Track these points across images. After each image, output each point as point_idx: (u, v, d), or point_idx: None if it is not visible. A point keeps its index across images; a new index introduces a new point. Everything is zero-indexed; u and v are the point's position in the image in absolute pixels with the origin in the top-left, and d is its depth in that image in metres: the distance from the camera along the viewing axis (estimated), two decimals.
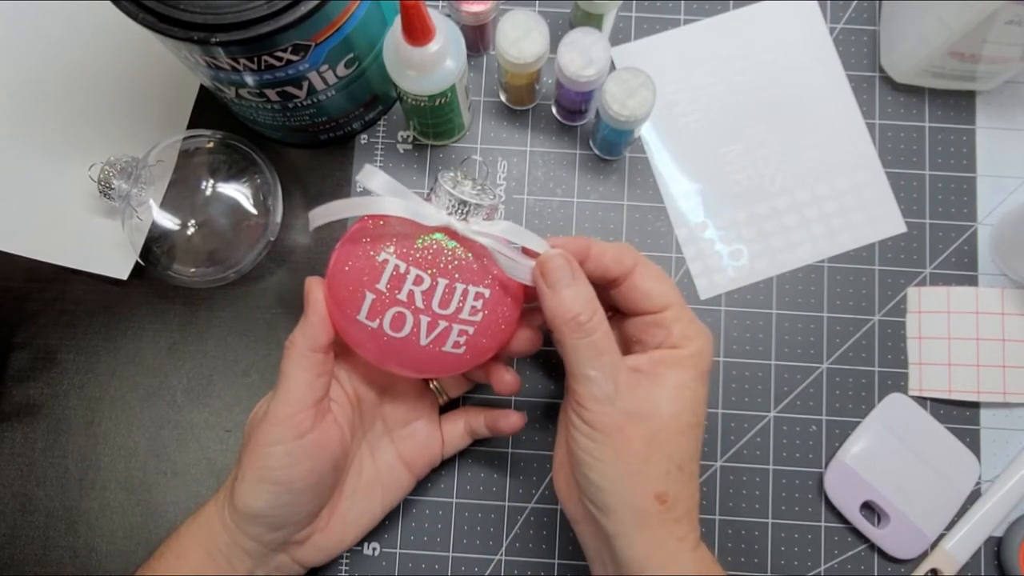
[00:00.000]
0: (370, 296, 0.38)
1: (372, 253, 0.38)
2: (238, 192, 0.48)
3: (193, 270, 0.48)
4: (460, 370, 0.40)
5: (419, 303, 0.38)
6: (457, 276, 0.38)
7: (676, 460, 0.35)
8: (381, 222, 0.39)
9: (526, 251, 0.38)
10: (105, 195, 0.46)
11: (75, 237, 0.50)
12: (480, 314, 0.38)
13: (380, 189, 0.38)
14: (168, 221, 0.47)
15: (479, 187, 0.39)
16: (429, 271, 0.38)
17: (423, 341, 0.39)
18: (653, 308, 0.38)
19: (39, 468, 0.49)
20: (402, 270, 0.38)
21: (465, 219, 0.38)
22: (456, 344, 0.39)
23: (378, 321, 0.38)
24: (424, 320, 0.38)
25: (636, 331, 0.39)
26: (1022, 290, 0.50)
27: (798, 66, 0.53)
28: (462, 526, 0.48)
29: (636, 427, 0.35)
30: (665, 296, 0.38)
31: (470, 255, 0.38)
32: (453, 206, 0.38)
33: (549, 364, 0.50)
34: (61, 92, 0.52)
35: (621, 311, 0.40)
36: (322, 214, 0.39)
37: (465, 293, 0.38)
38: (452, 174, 0.39)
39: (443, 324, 0.38)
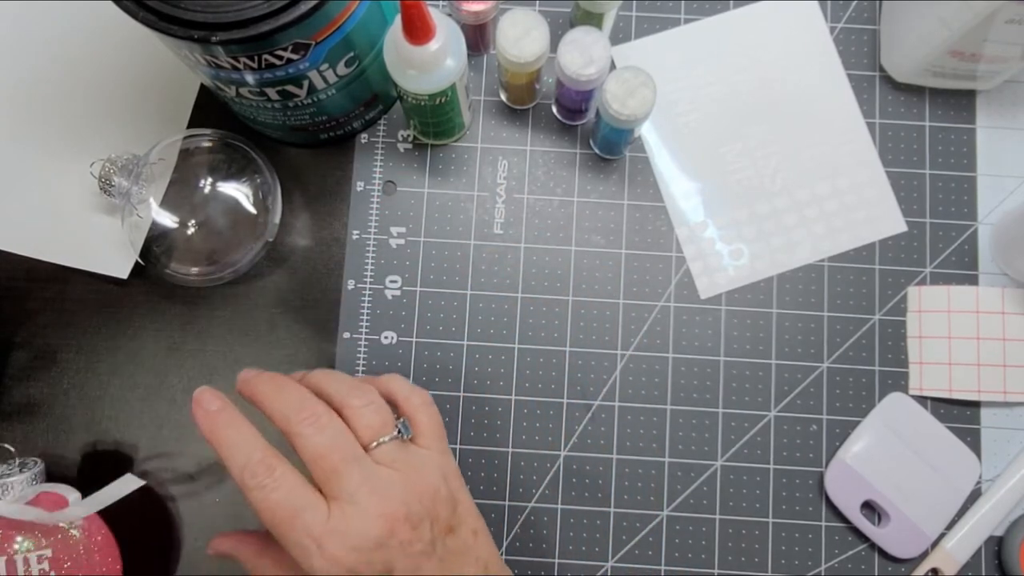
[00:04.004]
0: None
1: None
2: (238, 191, 0.48)
3: (192, 269, 0.48)
4: None
5: None
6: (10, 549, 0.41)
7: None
8: None
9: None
10: (106, 192, 0.46)
11: (75, 236, 0.50)
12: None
13: None
14: (168, 220, 0.47)
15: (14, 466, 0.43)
16: None
17: None
18: None
19: None
20: None
21: None
22: None
23: None
24: None
25: None
26: (1022, 289, 0.50)
27: (798, 66, 0.53)
28: None
29: None
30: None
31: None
32: None
33: (549, 363, 0.50)
34: (62, 91, 0.52)
35: None
36: None
37: (27, 560, 0.41)
38: None
39: None
